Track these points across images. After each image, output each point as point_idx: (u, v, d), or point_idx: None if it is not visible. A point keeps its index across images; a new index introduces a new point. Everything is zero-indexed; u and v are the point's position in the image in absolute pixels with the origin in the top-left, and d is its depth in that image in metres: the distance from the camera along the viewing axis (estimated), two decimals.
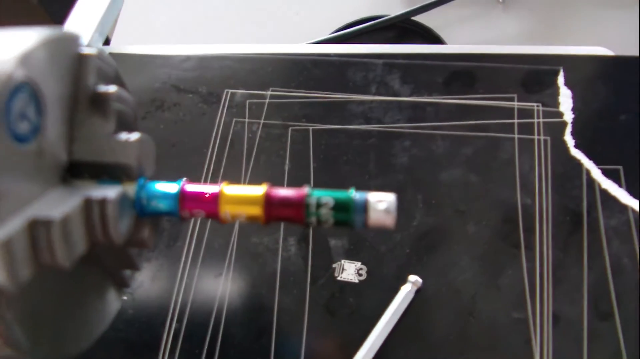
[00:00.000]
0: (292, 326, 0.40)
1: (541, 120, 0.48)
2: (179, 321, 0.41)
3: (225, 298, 0.41)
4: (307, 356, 0.39)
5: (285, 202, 0.20)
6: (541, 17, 0.66)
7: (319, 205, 0.20)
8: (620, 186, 0.44)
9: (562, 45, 0.54)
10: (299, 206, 0.20)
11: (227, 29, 0.67)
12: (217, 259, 0.43)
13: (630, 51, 0.53)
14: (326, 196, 0.20)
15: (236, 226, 0.44)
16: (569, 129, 0.47)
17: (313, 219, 0.20)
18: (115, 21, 0.64)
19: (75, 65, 0.22)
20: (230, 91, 0.52)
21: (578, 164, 0.46)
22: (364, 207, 0.20)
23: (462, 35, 0.64)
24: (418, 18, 0.62)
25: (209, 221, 0.45)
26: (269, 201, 0.20)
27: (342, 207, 0.20)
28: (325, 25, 0.63)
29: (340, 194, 0.20)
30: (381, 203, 0.19)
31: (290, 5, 0.69)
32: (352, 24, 0.62)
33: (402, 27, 0.62)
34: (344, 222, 0.20)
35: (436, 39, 0.61)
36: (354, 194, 0.20)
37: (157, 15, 0.69)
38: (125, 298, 0.42)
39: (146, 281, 0.42)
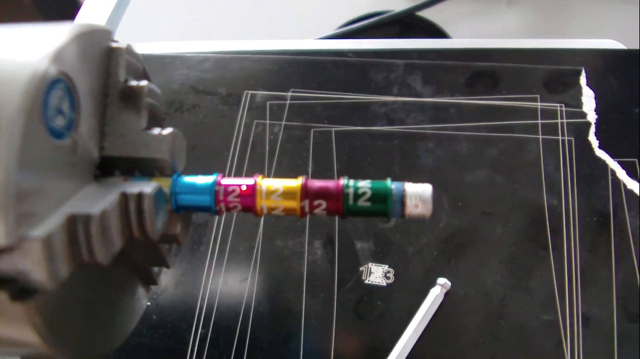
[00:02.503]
0: (320, 330, 0.39)
1: (565, 120, 0.47)
2: (205, 326, 0.40)
3: (252, 302, 0.41)
4: None
5: (323, 193, 0.20)
6: (545, 11, 0.66)
7: (357, 196, 0.20)
8: (636, 178, 0.44)
9: (571, 39, 0.54)
10: (338, 197, 0.20)
11: (229, 26, 0.67)
12: (242, 263, 0.43)
13: (634, 43, 0.53)
14: (364, 186, 0.20)
15: (260, 230, 0.44)
16: (592, 129, 0.47)
17: (351, 210, 0.20)
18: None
19: (105, 59, 0.21)
20: (250, 92, 0.52)
21: (603, 165, 0.45)
22: (402, 197, 0.19)
23: (466, 30, 0.63)
24: (422, 13, 0.62)
25: (233, 225, 0.44)
26: (306, 193, 0.20)
27: (380, 198, 0.19)
28: (330, 21, 0.63)
29: (378, 184, 0.19)
30: (418, 193, 0.19)
31: (294, 1, 0.69)
32: (357, 19, 0.62)
33: (407, 22, 0.62)
34: (381, 213, 0.19)
35: (441, 34, 0.61)
36: (391, 184, 0.19)
37: (159, 13, 0.69)
38: (149, 303, 0.41)
39: (170, 286, 0.42)
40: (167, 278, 0.42)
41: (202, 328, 0.40)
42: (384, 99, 0.50)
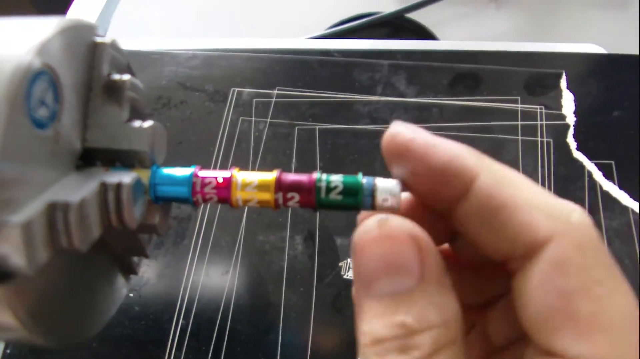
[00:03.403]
0: (298, 324, 0.40)
1: (544, 122, 0.48)
2: (186, 318, 0.41)
3: (232, 295, 0.42)
4: (314, 353, 0.39)
5: (296, 186, 0.20)
6: (532, 15, 0.66)
7: (329, 189, 0.20)
8: (612, 180, 0.45)
9: (554, 43, 0.55)
10: (310, 190, 0.20)
11: (218, 25, 0.67)
12: (224, 257, 0.43)
13: (619, 49, 0.54)
14: (336, 180, 0.20)
15: (243, 224, 0.44)
16: (571, 131, 0.48)
17: (323, 203, 0.20)
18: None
19: (90, 53, 0.22)
20: (237, 89, 0.52)
21: (580, 166, 0.46)
22: (372, 191, 0.20)
23: (455, 33, 0.64)
24: (412, 15, 0.63)
25: (216, 220, 0.45)
26: (279, 186, 0.20)
27: (351, 191, 0.20)
28: (318, 21, 0.64)
29: (349, 178, 0.20)
30: (388, 187, 0.20)
31: (283, 1, 0.69)
32: (346, 20, 0.63)
33: (396, 24, 0.63)
34: (352, 206, 0.20)
35: (429, 36, 0.62)
36: (362, 178, 0.20)
37: (150, 9, 0.69)
38: (131, 294, 0.42)
39: (153, 279, 0.43)
40: (149, 270, 0.43)
41: (183, 319, 0.41)
42: (368, 99, 0.51)
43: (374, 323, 0.17)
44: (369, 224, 0.18)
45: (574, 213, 0.17)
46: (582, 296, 0.16)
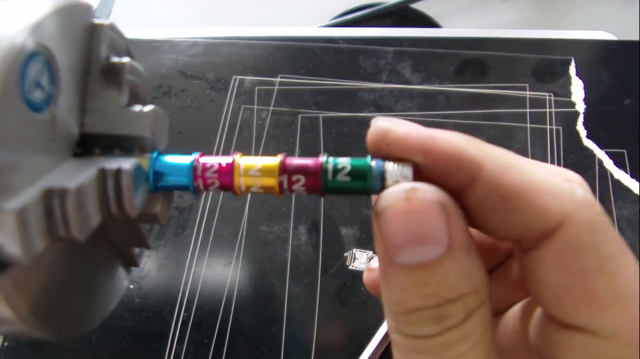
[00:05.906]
0: (303, 315, 0.39)
1: (553, 110, 0.47)
2: (188, 310, 0.40)
3: (235, 286, 0.41)
4: (319, 345, 0.38)
5: (302, 169, 0.19)
6: (539, 5, 0.66)
7: (336, 172, 0.19)
8: (624, 169, 0.44)
9: (561, 30, 0.54)
10: (316, 173, 0.19)
11: (219, 16, 0.67)
12: (226, 247, 0.42)
13: (629, 37, 0.53)
14: (343, 163, 0.19)
15: (245, 214, 0.44)
16: (581, 119, 0.47)
17: (330, 187, 0.19)
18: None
19: (87, 35, 0.21)
20: (239, 77, 0.51)
21: (591, 154, 0.45)
22: (381, 173, 0.19)
23: (460, 23, 0.63)
24: (416, 6, 0.62)
25: (218, 210, 0.44)
26: (284, 169, 0.20)
27: (360, 174, 0.19)
28: (322, 13, 0.63)
29: (358, 161, 0.19)
30: (398, 170, 0.19)
31: None
32: (350, 11, 0.62)
33: (401, 15, 0.62)
34: (361, 190, 0.19)
35: (435, 27, 0.61)
36: (371, 160, 0.19)
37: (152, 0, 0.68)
38: (131, 286, 0.41)
39: (153, 270, 0.42)
40: (150, 262, 0.42)
41: (184, 311, 0.40)
42: (373, 86, 0.50)
43: (405, 292, 0.17)
44: (395, 194, 0.17)
45: (577, 189, 0.18)
46: (596, 274, 0.17)
